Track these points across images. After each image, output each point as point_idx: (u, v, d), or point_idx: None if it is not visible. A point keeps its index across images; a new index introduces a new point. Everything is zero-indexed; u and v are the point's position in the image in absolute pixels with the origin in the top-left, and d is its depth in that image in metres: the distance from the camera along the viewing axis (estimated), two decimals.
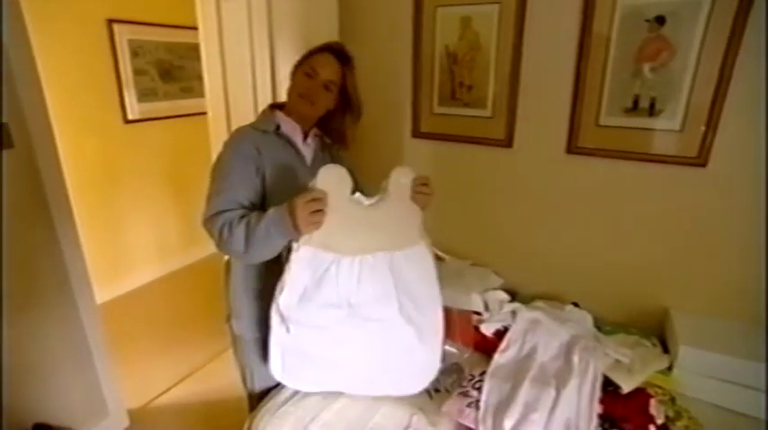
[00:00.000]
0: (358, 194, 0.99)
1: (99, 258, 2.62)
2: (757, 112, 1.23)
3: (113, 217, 2.87)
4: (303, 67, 1.15)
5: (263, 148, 1.12)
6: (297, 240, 0.96)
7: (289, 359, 1.10)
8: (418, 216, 1.02)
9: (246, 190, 1.08)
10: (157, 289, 3.04)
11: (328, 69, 1.15)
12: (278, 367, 1.12)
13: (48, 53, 2.30)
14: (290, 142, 1.18)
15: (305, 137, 1.23)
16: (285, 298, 1.00)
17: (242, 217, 1.01)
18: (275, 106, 1.23)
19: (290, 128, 1.19)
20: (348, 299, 1.02)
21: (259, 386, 1.30)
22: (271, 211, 0.98)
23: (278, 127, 1.17)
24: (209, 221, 1.05)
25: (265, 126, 1.16)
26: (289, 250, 1.00)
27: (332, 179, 0.92)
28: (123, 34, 2.68)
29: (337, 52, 1.18)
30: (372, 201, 0.99)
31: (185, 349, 2.35)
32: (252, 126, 1.18)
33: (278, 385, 1.25)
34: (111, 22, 2.60)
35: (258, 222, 0.97)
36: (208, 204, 1.07)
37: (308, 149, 1.23)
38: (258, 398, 1.27)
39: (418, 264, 1.02)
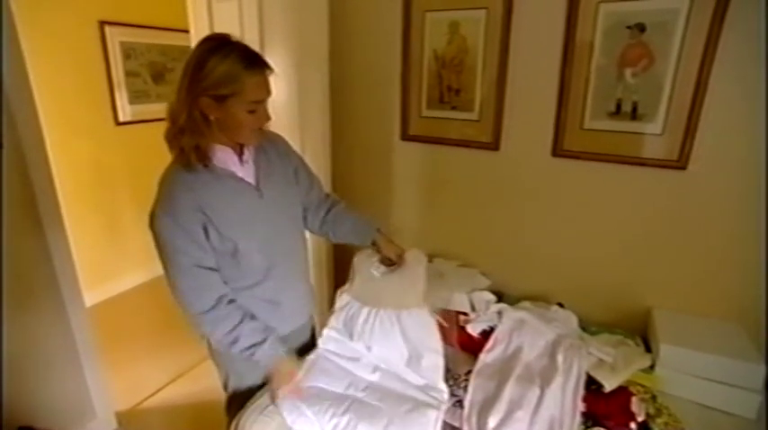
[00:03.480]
0: (378, 266, 1.36)
1: (89, 260, 2.60)
2: (735, 116, 1.27)
3: (104, 219, 2.86)
4: (240, 104, 0.99)
5: (200, 196, 1.02)
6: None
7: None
8: (420, 287, 1.29)
9: (203, 258, 1.06)
10: (147, 291, 3.02)
11: (265, 90, 1.03)
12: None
13: (39, 55, 2.30)
14: (226, 173, 1.08)
15: (241, 154, 1.10)
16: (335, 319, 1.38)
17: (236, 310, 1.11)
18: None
19: (224, 156, 1.07)
20: (361, 339, 1.31)
21: (240, 389, 1.29)
22: (266, 348, 1.11)
23: (207, 160, 1.04)
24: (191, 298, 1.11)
25: (194, 164, 1.03)
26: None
27: (365, 255, 1.38)
28: (115, 36, 2.68)
29: (262, 63, 1.02)
30: (387, 271, 1.35)
31: (174, 351, 2.34)
32: (177, 169, 1.04)
33: (262, 386, 1.25)
34: (102, 23, 2.61)
35: (247, 345, 1.10)
36: (175, 285, 1.10)
37: (248, 169, 1.12)
38: (239, 400, 1.25)
39: (420, 322, 1.28)
